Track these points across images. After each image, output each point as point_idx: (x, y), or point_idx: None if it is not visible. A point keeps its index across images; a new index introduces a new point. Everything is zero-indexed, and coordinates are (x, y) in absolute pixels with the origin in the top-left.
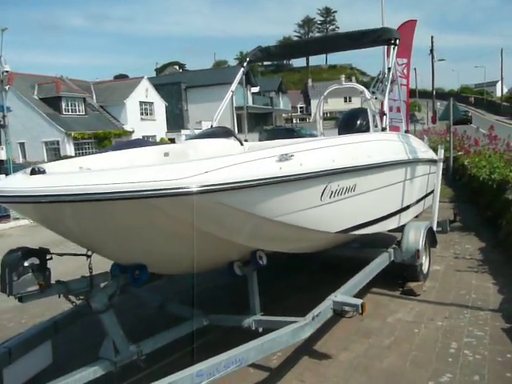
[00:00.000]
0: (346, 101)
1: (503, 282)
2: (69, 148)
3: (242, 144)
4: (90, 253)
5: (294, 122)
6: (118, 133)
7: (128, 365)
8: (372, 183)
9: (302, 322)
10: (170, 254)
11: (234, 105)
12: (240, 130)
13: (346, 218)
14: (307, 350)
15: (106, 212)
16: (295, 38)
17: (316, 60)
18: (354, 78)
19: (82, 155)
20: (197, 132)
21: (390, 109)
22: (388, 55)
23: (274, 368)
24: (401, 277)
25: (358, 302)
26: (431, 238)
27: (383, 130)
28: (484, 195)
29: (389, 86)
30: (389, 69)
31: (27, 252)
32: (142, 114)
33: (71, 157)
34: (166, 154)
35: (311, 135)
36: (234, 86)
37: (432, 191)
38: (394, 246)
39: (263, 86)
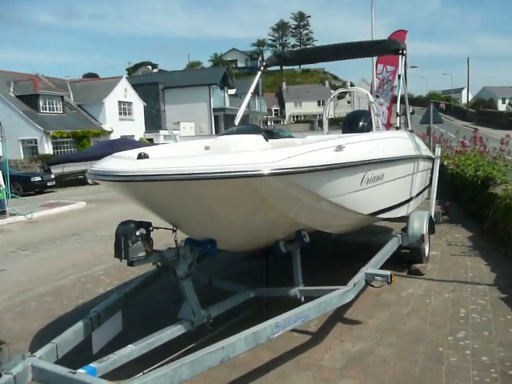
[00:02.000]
0: (319, 104)
1: (494, 263)
2: (47, 147)
3: (267, 140)
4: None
5: (269, 124)
6: (97, 132)
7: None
8: (394, 174)
9: (346, 288)
10: (237, 232)
11: (212, 106)
12: (217, 131)
13: (375, 202)
14: (339, 319)
15: (198, 192)
16: (269, 42)
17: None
18: (327, 82)
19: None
20: (176, 132)
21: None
22: (380, 61)
23: (314, 332)
24: (404, 261)
25: (387, 272)
26: (431, 226)
27: (397, 128)
28: (468, 191)
29: (406, 89)
30: (399, 76)
31: (137, 224)
32: (120, 113)
33: (50, 155)
34: (207, 148)
35: (290, 137)
36: (252, 88)
37: (427, 186)
38: (399, 232)
39: (240, 88)
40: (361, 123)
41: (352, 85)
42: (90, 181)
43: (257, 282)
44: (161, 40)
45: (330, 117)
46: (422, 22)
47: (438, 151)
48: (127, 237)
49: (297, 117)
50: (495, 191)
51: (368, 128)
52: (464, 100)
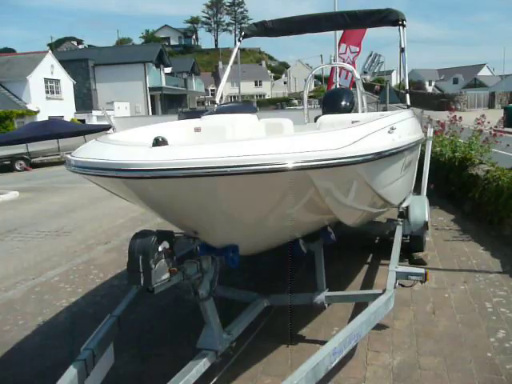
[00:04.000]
0: (256, 84)
1: (491, 248)
2: None
3: (258, 119)
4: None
5: (206, 104)
6: (21, 112)
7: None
8: (414, 158)
9: (388, 294)
10: (264, 233)
11: (148, 85)
12: (154, 112)
13: (403, 191)
14: None
15: (241, 186)
16: (203, 19)
17: (225, 42)
18: (263, 63)
19: None
20: (110, 113)
21: None
22: (343, 41)
23: None
24: (402, 250)
25: (421, 270)
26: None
27: (408, 107)
28: (444, 172)
29: (406, 65)
30: (402, 49)
31: (158, 235)
32: (47, 92)
33: None
34: (198, 130)
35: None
36: (231, 62)
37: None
38: (400, 220)
39: (176, 66)
40: (343, 102)
41: (332, 61)
42: (18, 167)
43: (263, 286)
44: (85, 13)
45: (267, 97)
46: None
47: (431, 132)
48: (148, 256)
49: (234, 97)
50: (475, 172)
51: (351, 108)
52: (394, 82)
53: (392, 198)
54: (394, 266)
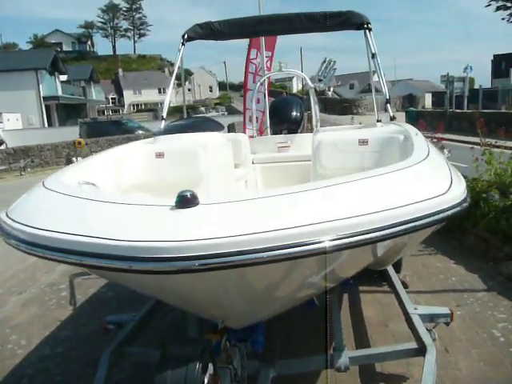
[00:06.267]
0: (160, 92)
1: (461, 261)
2: None
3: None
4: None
5: (106, 114)
6: None
7: None
8: None
9: (431, 351)
10: (288, 305)
11: (42, 94)
12: (50, 123)
13: None
14: (370, 371)
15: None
16: (99, 24)
17: (123, 48)
18: (166, 70)
19: None
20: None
21: (258, 100)
22: (254, 47)
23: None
24: (375, 272)
25: (446, 309)
26: None
27: (392, 119)
28: None
29: (382, 72)
30: (373, 54)
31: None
32: None
33: None
34: (160, 155)
35: (140, 127)
36: (176, 68)
37: None
38: None
39: (72, 74)
40: (293, 113)
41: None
42: None
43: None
44: None
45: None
46: (249, 13)
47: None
48: None
49: (137, 105)
50: None
51: (301, 118)
52: (295, 89)
53: None
54: (413, 306)
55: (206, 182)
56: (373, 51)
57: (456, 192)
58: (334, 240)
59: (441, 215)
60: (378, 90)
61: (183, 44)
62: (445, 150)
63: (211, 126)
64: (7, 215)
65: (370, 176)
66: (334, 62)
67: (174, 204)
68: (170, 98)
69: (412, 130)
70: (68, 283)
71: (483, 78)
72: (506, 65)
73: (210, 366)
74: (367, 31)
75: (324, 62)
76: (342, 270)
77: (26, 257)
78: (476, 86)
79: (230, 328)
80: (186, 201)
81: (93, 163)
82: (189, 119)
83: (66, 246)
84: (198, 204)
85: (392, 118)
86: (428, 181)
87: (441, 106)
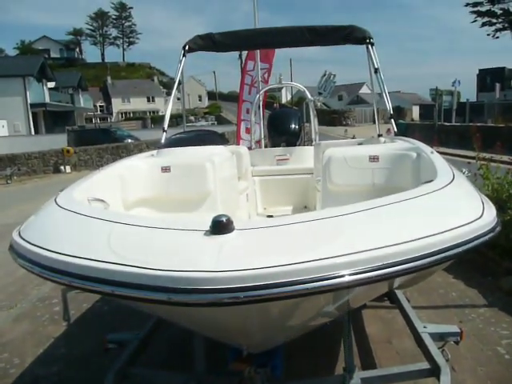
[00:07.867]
0: (148, 101)
1: (460, 275)
2: None
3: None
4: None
5: (94, 121)
6: None
7: None
8: None
9: (445, 371)
10: (306, 329)
11: (29, 101)
12: (37, 130)
13: None
14: None
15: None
16: (88, 32)
17: (112, 56)
18: (155, 78)
19: None
20: None
21: (247, 111)
22: (251, 59)
23: None
24: None
25: (455, 328)
26: None
27: (396, 134)
28: None
29: (385, 87)
30: (376, 69)
31: None
32: None
33: None
34: (166, 169)
35: (130, 136)
36: (177, 78)
37: None
38: None
39: (60, 81)
40: (292, 125)
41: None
42: None
43: None
44: None
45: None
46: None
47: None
48: None
49: (126, 113)
50: None
51: (299, 130)
52: (284, 99)
53: None
54: (422, 325)
55: (214, 196)
56: (376, 66)
57: (490, 216)
58: (378, 269)
59: (475, 242)
60: (365, 102)
61: (184, 55)
62: (463, 169)
63: (214, 139)
64: (20, 235)
65: (398, 200)
66: (334, 75)
67: (208, 229)
68: (160, 107)
69: (425, 146)
70: (61, 297)
71: (468, 92)
72: (491, 79)
73: None
74: (369, 46)
75: (324, 75)
76: (366, 297)
77: (15, 269)
78: (462, 100)
79: (253, 354)
80: (222, 227)
81: (100, 178)
82: (191, 132)
83: (96, 275)
84: (233, 230)
85: (396, 134)
86: (462, 205)
87: (428, 118)
